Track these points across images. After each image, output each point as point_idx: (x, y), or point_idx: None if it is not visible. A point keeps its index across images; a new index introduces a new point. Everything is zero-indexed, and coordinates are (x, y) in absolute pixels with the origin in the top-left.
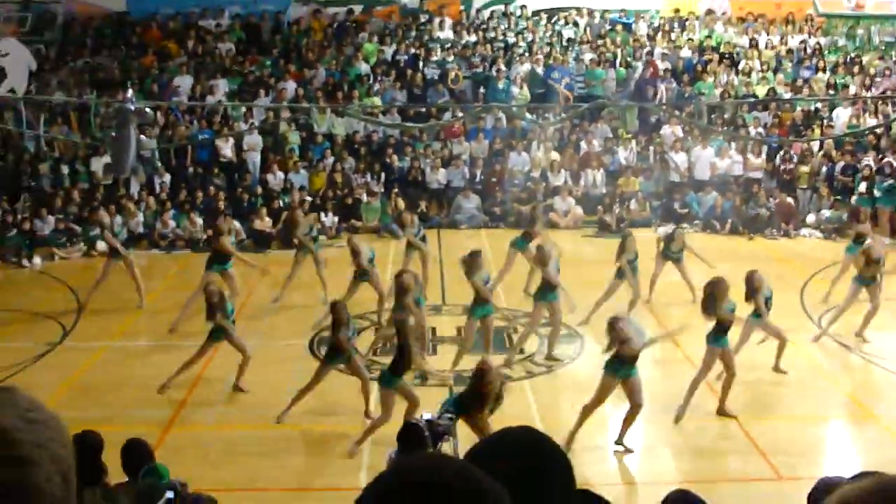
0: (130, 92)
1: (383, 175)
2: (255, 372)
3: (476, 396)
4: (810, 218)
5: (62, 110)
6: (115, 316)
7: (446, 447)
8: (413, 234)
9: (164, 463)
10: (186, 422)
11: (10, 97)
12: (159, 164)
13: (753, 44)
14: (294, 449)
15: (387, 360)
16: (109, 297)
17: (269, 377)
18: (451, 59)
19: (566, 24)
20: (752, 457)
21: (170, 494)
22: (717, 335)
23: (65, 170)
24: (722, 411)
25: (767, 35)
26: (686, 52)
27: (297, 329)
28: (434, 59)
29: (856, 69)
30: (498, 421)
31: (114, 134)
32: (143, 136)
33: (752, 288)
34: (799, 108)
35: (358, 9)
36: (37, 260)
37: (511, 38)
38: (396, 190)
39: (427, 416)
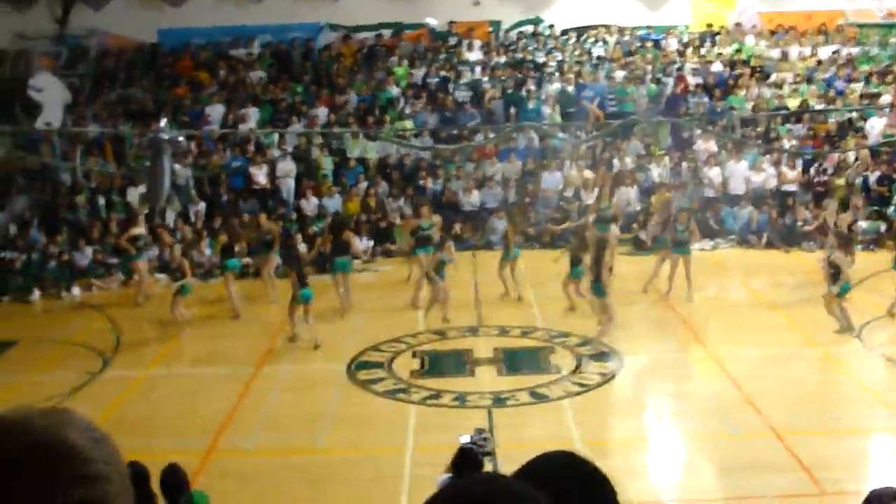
0: (163, 122)
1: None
2: (293, 398)
3: None
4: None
5: (97, 142)
6: (152, 344)
7: (488, 467)
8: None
9: (204, 490)
10: (226, 448)
11: (47, 130)
12: (194, 192)
13: (784, 56)
14: (335, 476)
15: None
16: (147, 326)
17: (307, 403)
18: (483, 79)
19: (595, 42)
20: (796, 473)
21: None
22: None
23: (101, 201)
24: None
25: (799, 46)
26: (717, 67)
27: (334, 354)
28: (464, 80)
29: (889, 78)
30: (537, 442)
31: (148, 164)
32: (176, 166)
33: None
34: (832, 119)
35: (387, 33)
36: (75, 290)
37: (541, 58)
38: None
39: (465, 438)
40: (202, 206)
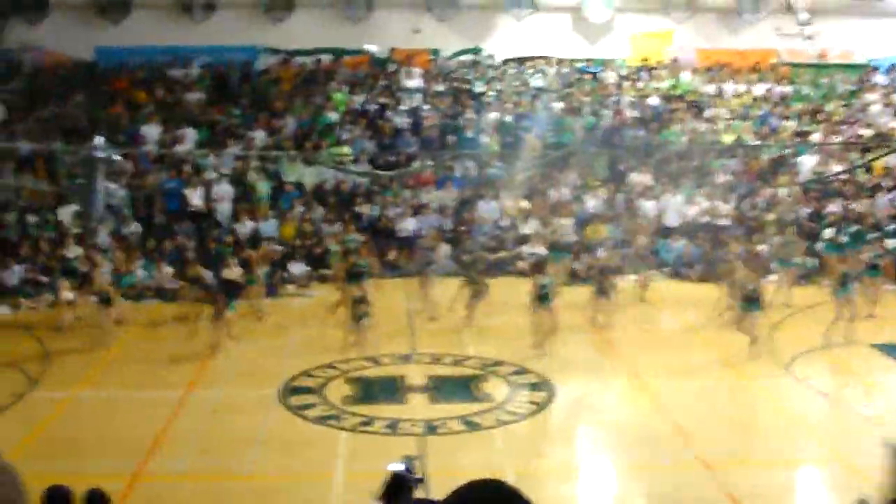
0: (99, 140)
1: (353, 224)
2: (224, 422)
3: None
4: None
5: (29, 159)
6: (82, 365)
7: (419, 494)
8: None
9: None
10: (154, 472)
11: None
12: (128, 213)
13: (719, 92)
14: (264, 502)
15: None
16: (76, 347)
17: (237, 428)
18: (422, 107)
19: (535, 72)
20: None
21: None
22: None
23: (31, 219)
24: None
25: (734, 84)
26: (653, 101)
27: (266, 378)
28: (403, 107)
29: (820, 117)
30: (468, 470)
31: (81, 182)
32: (111, 185)
33: None
34: (766, 156)
35: (327, 58)
36: (3, 309)
37: (480, 87)
38: (364, 238)
39: (394, 465)
40: (136, 226)
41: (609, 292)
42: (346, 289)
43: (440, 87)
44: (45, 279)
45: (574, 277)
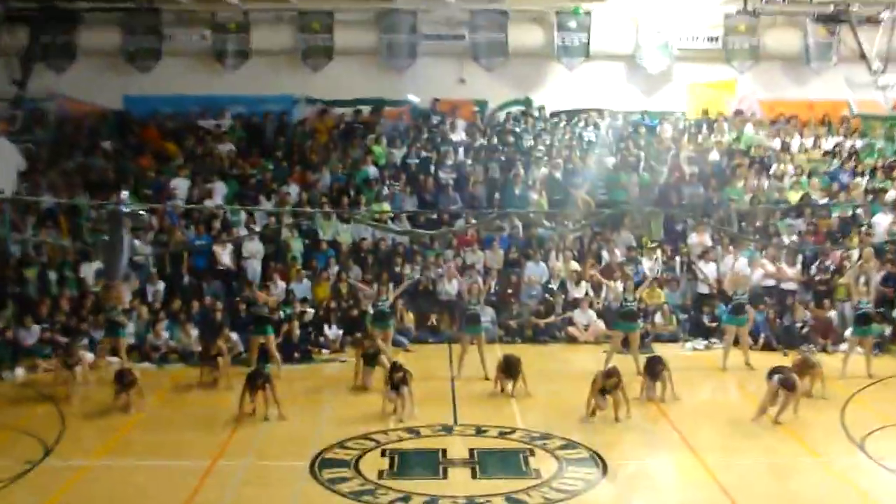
0: (124, 194)
1: (391, 286)
2: (251, 495)
3: None
4: (849, 332)
5: (51, 213)
6: (101, 433)
7: None
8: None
9: None
10: None
11: None
12: (153, 270)
13: (785, 147)
14: None
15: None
16: (94, 412)
17: (264, 501)
18: (466, 161)
19: (586, 126)
20: None
21: None
22: None
23: (52, 276)
24: None
25: (801, 137)
26: (714, 156)
27: (297, 450)
28: (447, 162)
29: (895, 173)
30: None
31: (105, 238)
32: (136, 241)
33: None
34: (835, 215)
35: (366, 109)
36: (19, 371)
37: (528, 141)
38: (403, 301)
39: None
40: (161, 285)
41: (659, 374)
42: (384, 353)
43: (486, 141)
44: (64, 340)
45: (627, 344)
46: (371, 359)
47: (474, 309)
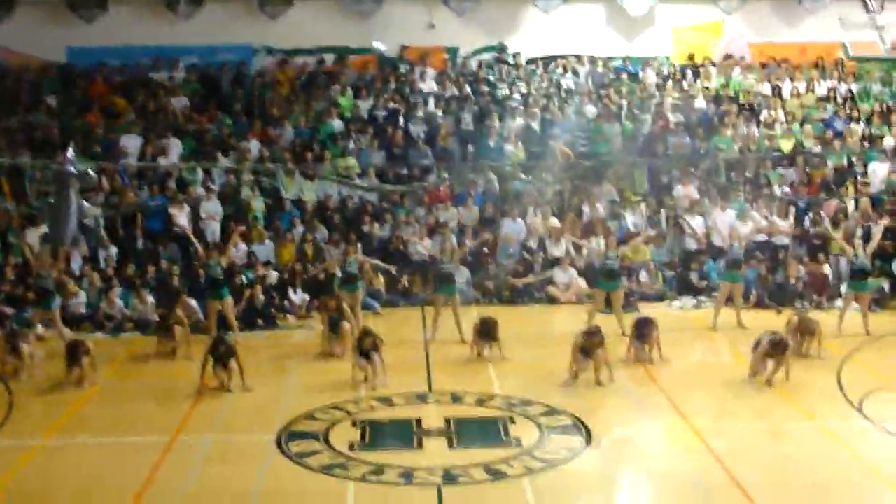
0: (71, 152)
1: (360, 245)
2: (216, 472)
3: None
4: (844, 288)
5: None
6: (53, 409)
7: None
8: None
9: None
10: None
11: None
12: (104, 234)
13: (776, 92)
14: None
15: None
16: (45, 387)
17: (231, 478)
18: (437, 113)
19: (564, 73)
20: None
21: None
22: None
23: None
24: None
25: (792, 82)
26: (700, 103)
27: (263, 422)
28: (417, 114)
29: (893, 118)
30: None
31: (51, 200)
32: (85, 203)
33: None
34: (830, 164)
35: (330, 58)
36: None
37: (503, 90)
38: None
39: None
40: (114, 250)
41: (649, 336)
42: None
43: (458, 91)
44: (10, 311)
45: (610, 304)
46: (335, 325)
47: (448, 269)
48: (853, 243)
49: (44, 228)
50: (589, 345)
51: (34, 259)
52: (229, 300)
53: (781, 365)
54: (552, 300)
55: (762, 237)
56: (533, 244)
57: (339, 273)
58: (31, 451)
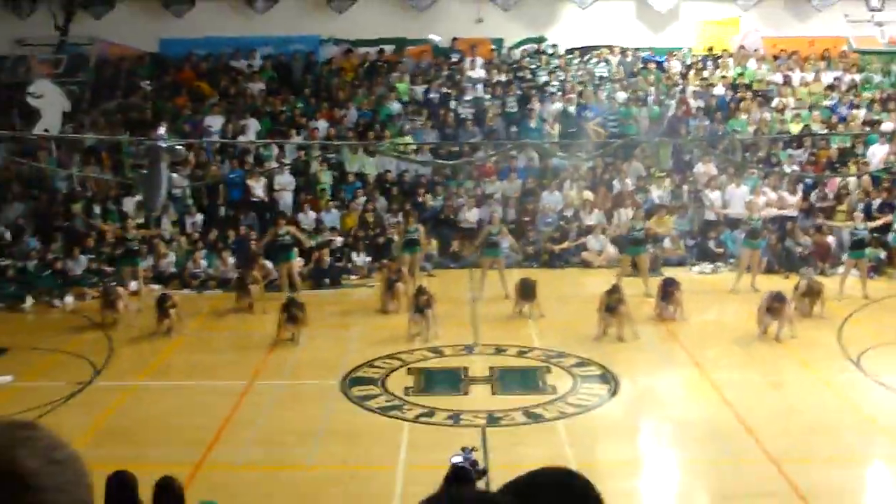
0: (162, 129)
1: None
2: (286, 413)
3: None
4: (845, 256)
5: (95, 150)
6: (145, 356)
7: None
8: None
9: None
10: (216, 462)
11: (45, 136)
12: (191, 202)
13: (787, 81)
14: (325, 493)
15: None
16: (140, 337)
17: (299, 419)
18: (484, 97)
19: (598, 62)
20: (792, 501)
21: None
22: None
23: (97, 210)
24: None
25: (801, 72)
26: (719, 90)
27: (328, 369)
28: (466, 98)
29: (892, 105)
30: (529, 462)
31: (144, 172)
32: (174, 175)
33: None
34: (834, 145)
35: (389, 49)
36: (69, 299)
37: (543, 77)
38: (425, 228)
39: (457, 458)
40: (199, 217)
41: (672, 296)
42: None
43: (503, 77)
44: (110, 269)
45: (637, 268)
46: (391, 285)
47: (494, 236)
48: (854, 216)
49: (138, 197)
50: (611, 301)
51: (128, 223)
52: (294, 261)
53: (784, 319)
54: (586, 264)
55: (773, 210)
56: (569, 214)
57: (396, 238)
58: (127, 391)
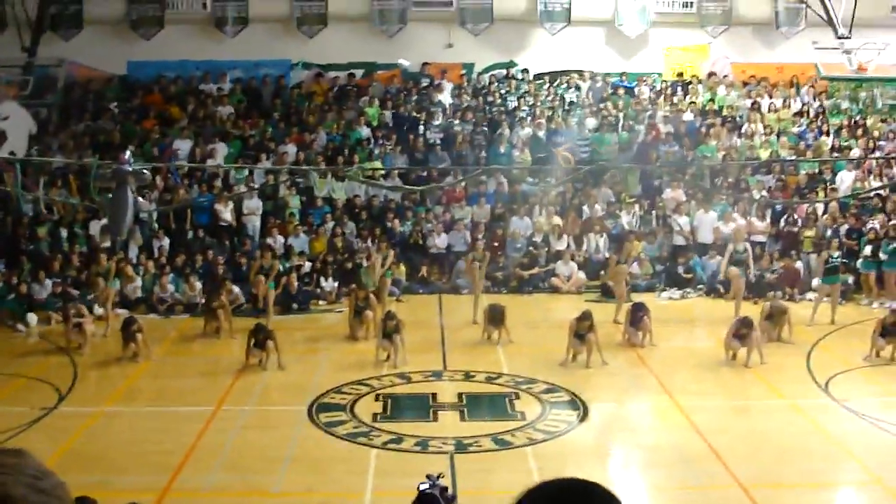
0: (128, 153)
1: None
2: (253, 438)
3: None
4: (815, 282)
5: (62, 173)
6: (111, 380)
7: None
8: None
9: None
10: (183, 488)
11: (10, 159)
12: (157, 227)
13: (756, 107)
14: None
15: None
16: (105, 362)
17: (266, 444)
18: (454, 122)
19: (568, 87)
20: None
21: None
22: None
23: (63, 233)
24: None
25: (770, 98)
26: (688, 116)
27: (296, 395)
28: (435, 122)
29: (859, 132)
30: (498, 488)
31: (110, 195)
32: (140, 199)
33: None
34: (803, 171)
35: (359, 73)
36: (32, 323)
37: (513, 102)
38: (394, 253)
39: (423, 485)
40: (166, 241)
41: (641, 322)
42: (377, 306)
43: (473, 102)
44: (75, 293)
45: (606, 294)
46: (359, 312)
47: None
48: (832, 244)
49: (104, 221)
50: (580, 328)
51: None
52: (271, 289)
53: (752, 344)
54: (555, 290)
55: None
56: (538, 240)
57: (364, 262)
58: (93, 416)
